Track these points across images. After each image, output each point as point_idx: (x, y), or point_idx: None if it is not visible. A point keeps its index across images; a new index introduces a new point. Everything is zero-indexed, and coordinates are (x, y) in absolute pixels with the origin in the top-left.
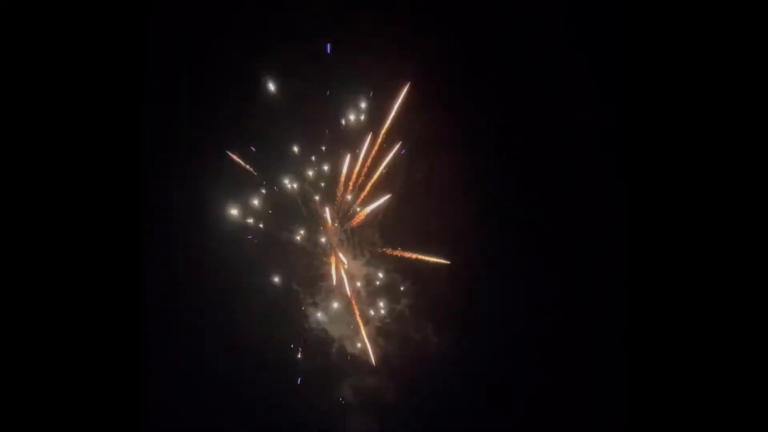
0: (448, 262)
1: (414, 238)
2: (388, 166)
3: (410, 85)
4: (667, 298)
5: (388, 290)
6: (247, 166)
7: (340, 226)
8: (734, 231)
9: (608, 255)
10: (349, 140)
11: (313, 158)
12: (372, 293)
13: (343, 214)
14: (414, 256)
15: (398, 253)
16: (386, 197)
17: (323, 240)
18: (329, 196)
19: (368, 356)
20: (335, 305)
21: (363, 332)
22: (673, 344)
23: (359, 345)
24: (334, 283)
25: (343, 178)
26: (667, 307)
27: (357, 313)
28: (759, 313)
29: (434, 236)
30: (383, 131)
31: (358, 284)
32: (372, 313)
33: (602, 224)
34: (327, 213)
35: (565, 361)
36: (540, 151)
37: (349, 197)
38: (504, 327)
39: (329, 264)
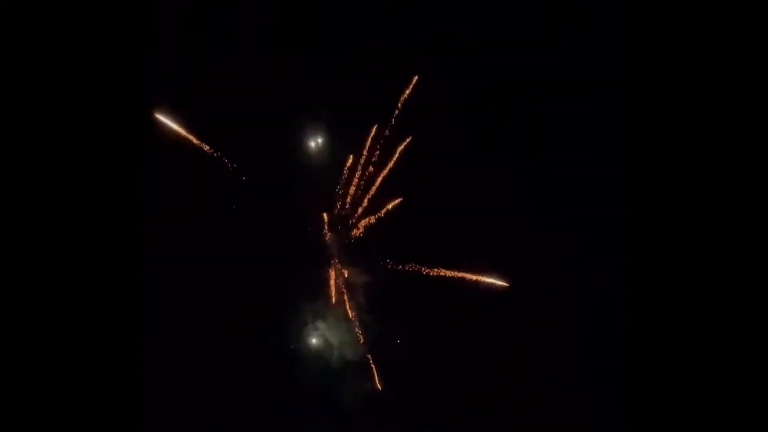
0: (507, 284)
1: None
2: (397, 163)
3: (418, 79)
4: (669, 300)
5: (392, 304)
6: (229, 162)
7: (341, 235)
8: (736, 232)
9: (609, 254)
10: (351, 134)
11: (312, 154)
12: (376, 307)
13: (345, 221)
14: (468, 276)
15: (448, 273)
16: (395, 202)
17: (323, 249)
18: (327, 199)
19: (373, 379)
20: (335, 325)
21: (367, 354)
22: (673, 345)
23: (360, 358)
24: (333, 299)
25: (345, 177)
26: (668, 309)
27: (359, 331)
28: (759, 314)
29: (451, 245)
30: (391, 122)
31: (361, 299)
32: (376, 330)
33: (605, 225)
34: (325, 219)
35: (565, 362)
36: (555, 148)
37: (349, 200)
38: (506, 330)
39: (329, 277)
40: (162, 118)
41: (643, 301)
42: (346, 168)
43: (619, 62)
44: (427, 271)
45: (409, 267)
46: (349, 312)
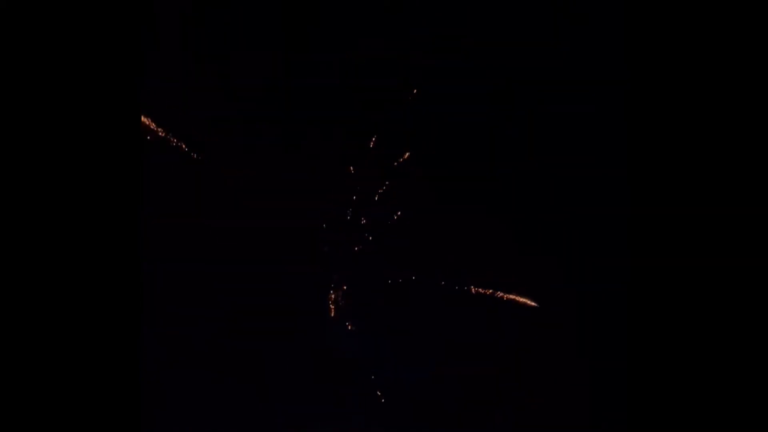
0: (535, 305)
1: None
2: (396, 171)
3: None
4: (669, 300)
5: (392, 308)
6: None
7: (341, 246)
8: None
9: (609, 254)
10: (351, 136)
11: (313, 157)
12: (376, 312)
13: (345, 231)
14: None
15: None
16: (396, 214)
17: (322, 258)
18: (328, 207)
19: (373, 387)
20: (334, 331)
21: (366, 359)
22: (674, 346)
23: (359, 363)
24: (332, 312)
25: (345, 185)
26: (668, 309)
27: (357, 339)
28: (760, 314)
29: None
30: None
31: (360, 308)
32: (376, 334)
33: (605, 225)
34: (324, 228)
35: (565, 362)
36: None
37: (351, 210)
38: (505, 330)
39: (329, 290)
40: (161, 119)
41: (643, 301)
42: (347, 172)
43: (619, 62)
44: (430, 283)
45: (410, 276)
46: (349, 326)
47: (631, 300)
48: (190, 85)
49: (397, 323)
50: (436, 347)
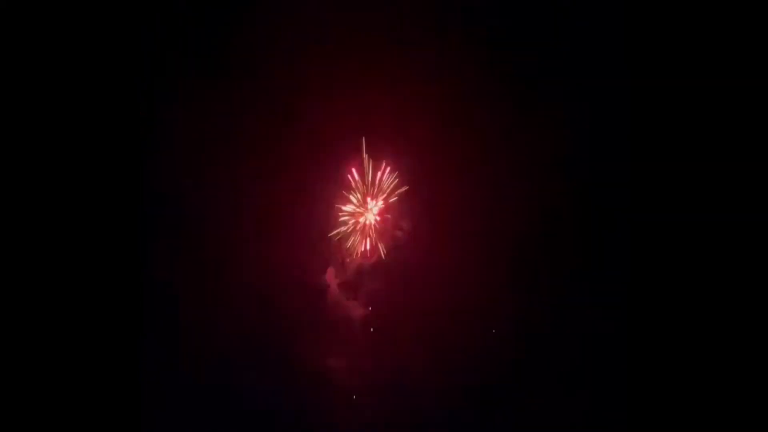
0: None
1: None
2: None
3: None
4: (669, 301)
5: (392, 309)
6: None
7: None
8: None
9: (609, 254)
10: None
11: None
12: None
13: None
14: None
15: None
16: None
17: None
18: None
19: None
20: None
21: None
22: (674, 346)
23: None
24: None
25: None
26: (668, 309)
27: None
28: (759, 315)
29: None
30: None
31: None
32: (376, 339)
33: (605, 225)
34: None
35: (565, 362)
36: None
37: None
38: (505, 331)
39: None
40: (160, 119)
41: (643, 302)
42: (348, 172)
43: (619, 62)
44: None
45: (411, 277)
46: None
47: (631, 301)
48: (189, 85)
49: (398, 325)
50: (437, 348)
